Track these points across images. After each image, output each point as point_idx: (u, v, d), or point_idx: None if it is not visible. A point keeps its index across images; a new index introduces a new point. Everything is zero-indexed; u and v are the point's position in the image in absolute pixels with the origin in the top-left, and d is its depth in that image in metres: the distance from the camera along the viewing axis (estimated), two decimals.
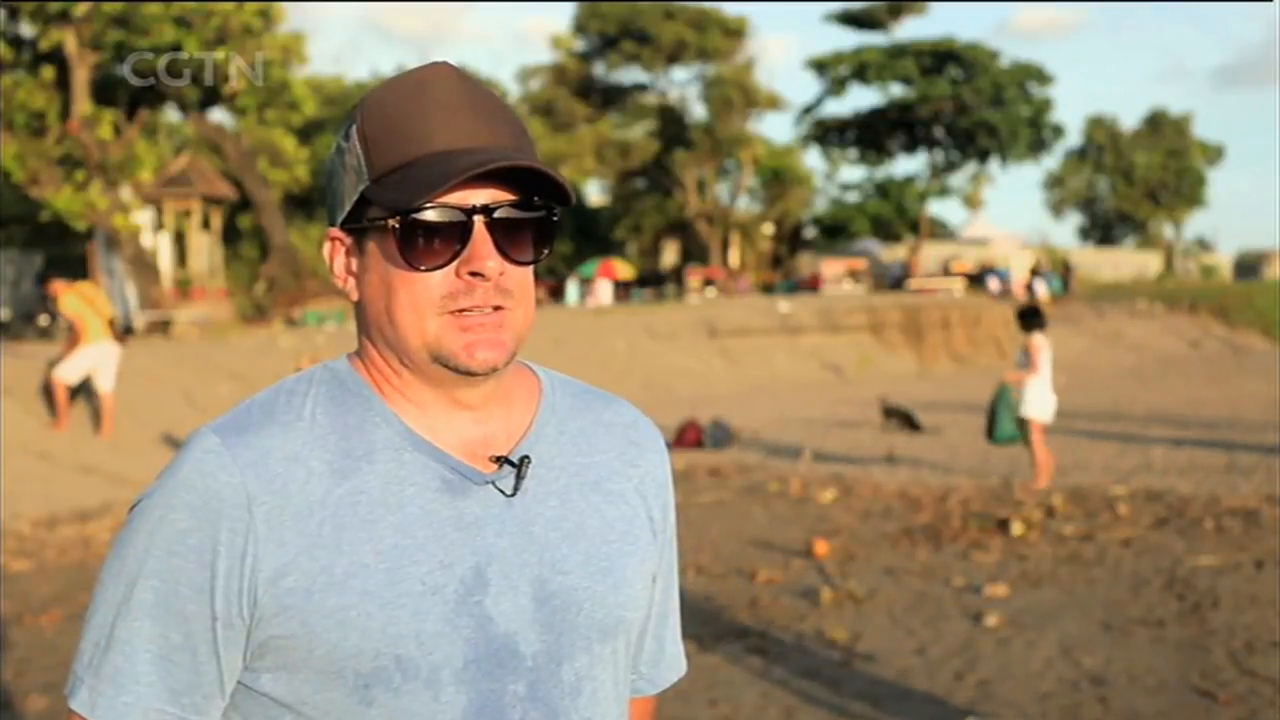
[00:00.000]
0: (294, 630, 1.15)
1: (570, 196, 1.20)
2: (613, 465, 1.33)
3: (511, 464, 1.24)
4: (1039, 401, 10.75)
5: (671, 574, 1.42)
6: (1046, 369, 10.76)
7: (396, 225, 1.17)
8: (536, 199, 1.21)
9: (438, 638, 1.17)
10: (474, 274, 1.18)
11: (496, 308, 1.19)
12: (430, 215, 1.16)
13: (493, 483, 1.23)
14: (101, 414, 12.56)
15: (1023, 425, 10.77)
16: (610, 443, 1.34)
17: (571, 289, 37.10)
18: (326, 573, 1.16)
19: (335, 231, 1.25)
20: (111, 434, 12.52)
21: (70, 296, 12.48)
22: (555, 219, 1.22)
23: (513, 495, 1.23)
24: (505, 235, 1.19)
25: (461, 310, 1.18)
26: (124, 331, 20.41)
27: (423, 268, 1.17)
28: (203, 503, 1.16)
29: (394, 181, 1.17)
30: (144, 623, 1.17)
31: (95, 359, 12.36)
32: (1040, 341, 10.79)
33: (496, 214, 1.18)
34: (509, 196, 1.19)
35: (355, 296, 1.24)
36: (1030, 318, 11.02)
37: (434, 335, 1.18)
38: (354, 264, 1.24)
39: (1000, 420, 10.88)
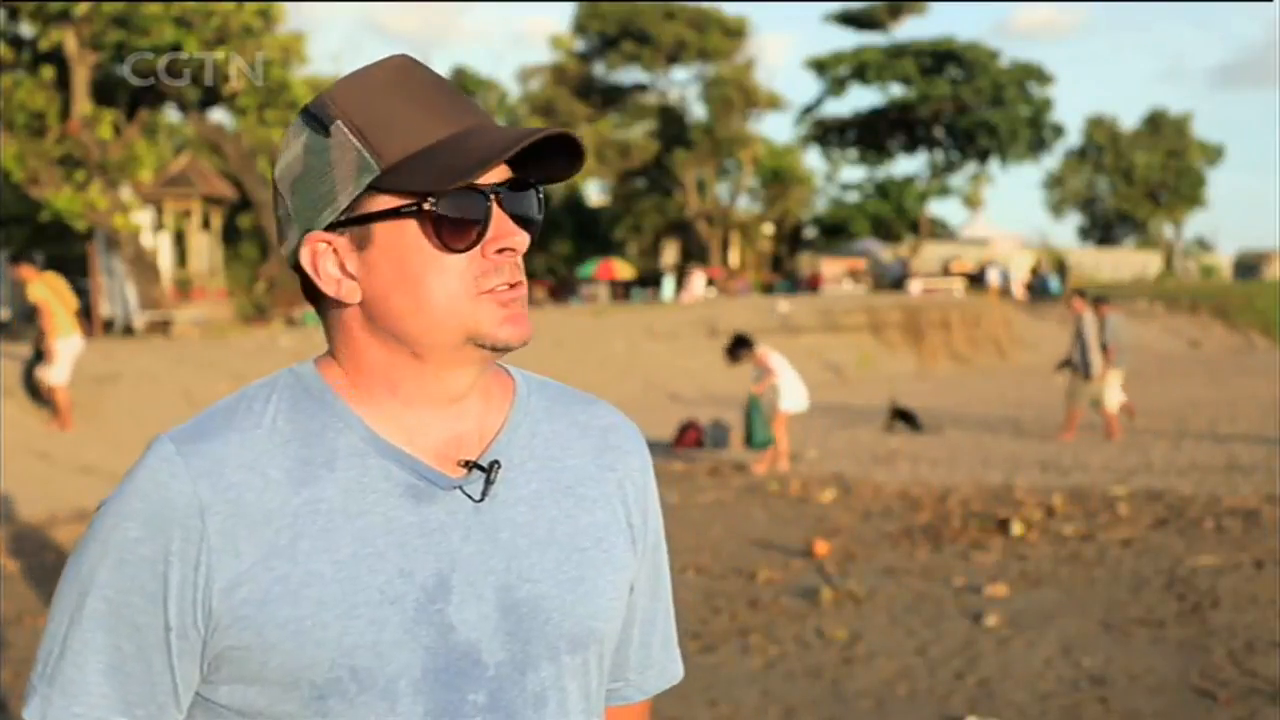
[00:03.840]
0: (249, 641, 1.14)
1: (584, 156, 1.21)
2: (588, 469, 1.30)
3: (481, 469, 1.22)
4: (792, 395, 12.09)
5: (657, 579, 1.38)
6: (785, 367, 12.22)
7: (434, 207, 1.15)
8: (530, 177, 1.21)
9: (396, 647, 1.15)
10: (502, 251, 1.17)
11: (516, 283, 1.19)
12: (459, 197, 1.15)
13: (460, 488, 1.21)
14: (57, 407, 12.57)
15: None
16: (586, 446, 1.31)
17: (668, 284, 37.06)
18: (282, 583, 1.14)
19: (320, 235, 1.18)
20: (73, 426, 12.55)
21: (39, 285, 12.52)
22: (541, 194, 1.23)
23: (480, 501, 1.21)
24: (511, 212, 1.19)
25: (491, 289, 1.18)
26: (124, 330, 20.35)
27: (460, 248, 1.16)
28: (155, 512, 1.14)
29: (417, 166, 1.14)
30: (96, 633, 1.15)
31: (70, 351, 12.45)
32: (763, 353, 12.23)
33: (507, 190, 1.18)
34: (509, 174, 1.19)
35: (356, 298, 1.19)
36: (736, 348, 12.36)
37: (471, 316, 1.17)
38: (351, 263, 1.18)
39: (755, 428, 12.04)
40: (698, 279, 36.57)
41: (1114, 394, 14.60)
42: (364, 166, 1.15)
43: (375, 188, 1.16)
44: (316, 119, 1.18)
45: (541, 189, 1.23)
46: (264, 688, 1.15)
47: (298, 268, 1.22)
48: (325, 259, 1.19)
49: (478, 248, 1.17)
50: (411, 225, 1.16)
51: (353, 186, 1.16)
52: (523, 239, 1.18)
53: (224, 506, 1.15)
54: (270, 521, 1.15)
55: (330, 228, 1.18)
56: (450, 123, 1.17)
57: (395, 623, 1.15)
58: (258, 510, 1.15)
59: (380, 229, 1.17)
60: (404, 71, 1.19)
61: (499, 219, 1.17)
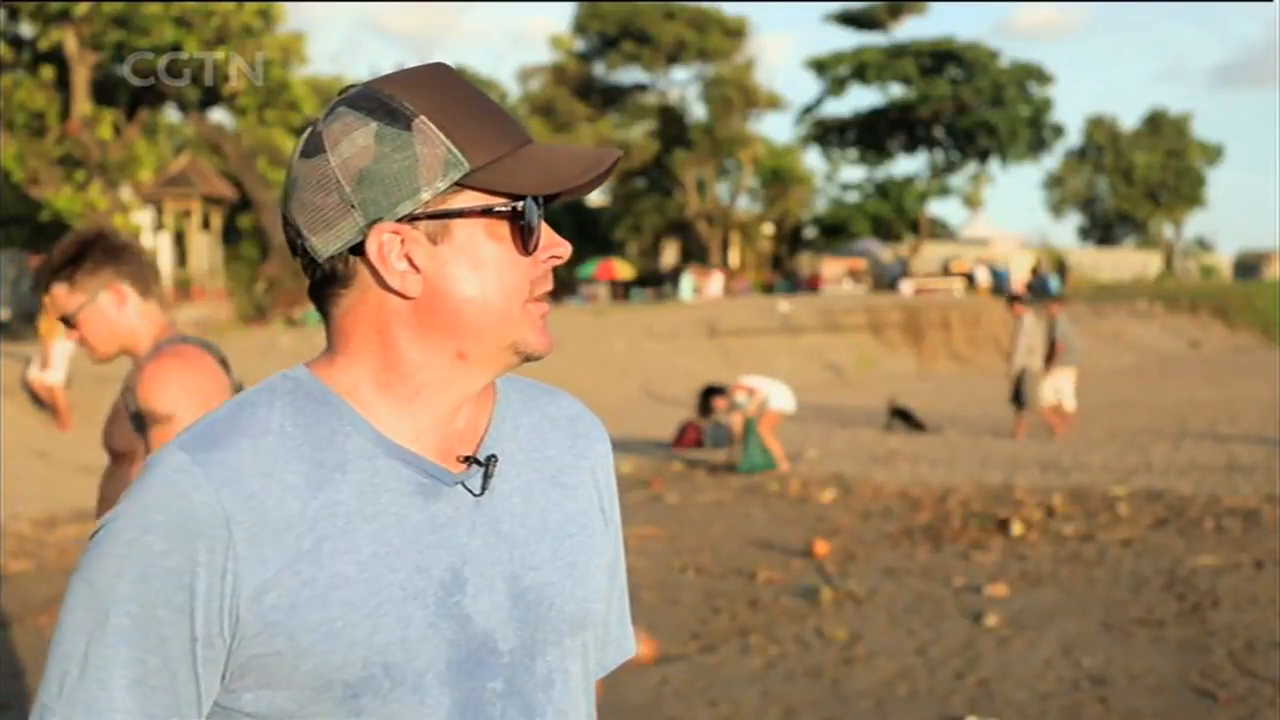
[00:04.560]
0: (279, 647, 1.15)
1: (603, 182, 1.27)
2: (565, 459, 1.35)
3: (479, 463, 1.25)
4: (780, 398, 12.69)
5: (617, 560, 1.44)
6: (763, 381, 12.98)
7: (521, 209, 1.19)
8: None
9: (422, 642, 1.18)
10: (553, 258, 1.23)
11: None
12: (529, 204, 1.20)
13: (462, 483, 1.24)
14: (57, 407, 12.61)
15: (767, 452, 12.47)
16: (559, 436, 1.36)
17: (686, 284, 37.05)
18: (309, 586, 1.15)
19: (389, 225, 1.18)
20: (73, 426, 12.59)
21: None
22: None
23: (481, 494, 1.25)
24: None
25: (538, 297, 1.23)
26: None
27: (530, 251, 1.20)
28: (178, 523, 1.14)
29: (515, 169, 1.19)
30: (120, 649, 1.14)
31: (66, 352, 12.48)
32: (737, 383, 13.06)
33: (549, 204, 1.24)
34: None
35: (417, 292, 1.20)
36: (708, 398, 13.44)
37: (520, 322, 1.22)
38: (419, 256, 1.19)
39: (751, 451, 12.33)
40: (715, 279, 36.52)
41: (1068, 393, 15.03)
42: (452, 163, 1.18)
43: (461, 185, 1.19)
44: (389, 112, 1.19)
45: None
46: (294, 692, 1.16)
47: (326, 261, 1.21)
48: (392, 250, 1.20)
49: (534, 254, 1.22)
50: (488, 224, 1.20)
51: (440, 181, 1.18)
52: (567, 248, 1.24)
53: (248, 515, 1.15)
54: (292, 527, 1.17)
55: (402, 220, 1.19)
56: (513, 134, 1.22)
57: (419, 618, 1.18)
58: (279, 516, 1.16)
59: (459, 224, 1.20)
60: (456, 80, 1.23)
61: (547, 229, 1.23)
